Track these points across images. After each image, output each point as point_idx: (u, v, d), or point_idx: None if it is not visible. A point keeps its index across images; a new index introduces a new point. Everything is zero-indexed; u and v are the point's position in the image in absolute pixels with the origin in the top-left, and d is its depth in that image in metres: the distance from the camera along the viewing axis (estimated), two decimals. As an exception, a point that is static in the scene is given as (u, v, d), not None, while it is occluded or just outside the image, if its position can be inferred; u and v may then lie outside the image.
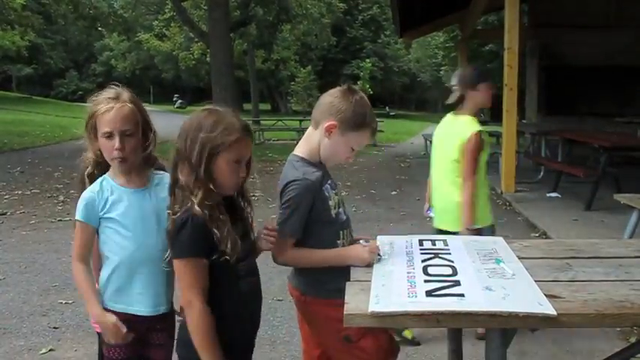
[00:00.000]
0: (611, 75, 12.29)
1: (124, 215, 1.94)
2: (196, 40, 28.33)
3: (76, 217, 1.94)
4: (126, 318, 1.93)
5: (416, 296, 1.67)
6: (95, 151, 2.01)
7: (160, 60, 44.07)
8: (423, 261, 2.01)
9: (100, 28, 23.81)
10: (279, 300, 4.14)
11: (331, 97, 2.07)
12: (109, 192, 1.96)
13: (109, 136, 1.92)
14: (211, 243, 1.75)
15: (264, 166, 12.01)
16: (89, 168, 2.04)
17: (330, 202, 2.06)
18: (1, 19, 22.34)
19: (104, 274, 1.97)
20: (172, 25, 34.47)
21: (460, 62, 15.76)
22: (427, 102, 56.45)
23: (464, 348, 2.54)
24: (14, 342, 3.52)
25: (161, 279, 1.97)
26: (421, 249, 2.16)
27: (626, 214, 5.10)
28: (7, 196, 8.24)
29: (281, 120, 21.68)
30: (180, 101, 49.97)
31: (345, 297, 1.72)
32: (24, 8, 23.25)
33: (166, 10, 32.97)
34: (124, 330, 1.90)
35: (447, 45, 36.11)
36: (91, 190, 1.96)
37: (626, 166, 7.85)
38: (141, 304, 1.95)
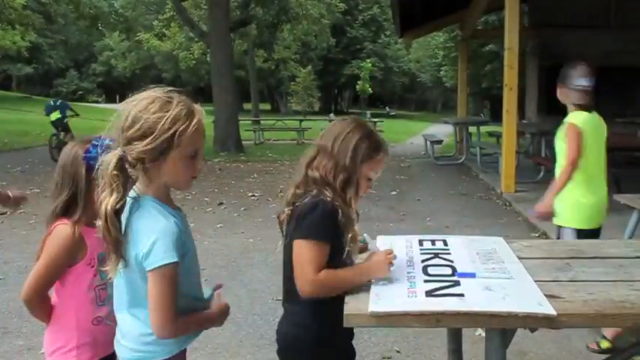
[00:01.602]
0: (611, 75, 12.26)
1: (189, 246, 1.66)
2: (196, 39, 28.34)
3: (169, 261, 1.51)
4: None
5: (416, 296, 1.67)
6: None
7: (160, 60, 44.08)
8: (423, 261, 2.01)
9: (100, 28, 23.79)
10: (278, 300, 4.12)
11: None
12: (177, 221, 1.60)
13: (194, 155, 1.57)
14: (336, 231, 1.77)
15: (264, 166, 12.02)
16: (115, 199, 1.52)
17: None
18: (1, 18, 22.33)
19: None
20: (172, 24, 34.45)
21: (460, 62, 15.78)
22: (427, 102, 56.48)
23: (464, 348, 2.54)
24: (14, 342, 3.52)
25: None
26: (421, 249, 2.16)
27: (626, 214, 5.10)
28: (7, 196, 8.24)
29: (281, 120, 21.70)
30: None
31: (345, 297, 1.72)
32: (24, 8, 23.25)
33: (166, 10, 32.93)
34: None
35: (447, 45, 36.15)
36: (170, 221, 1.56)
37: (626, 166, 7.84)
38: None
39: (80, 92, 56.14)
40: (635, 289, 1.75)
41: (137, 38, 38.48)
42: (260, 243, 5.72)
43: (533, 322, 1.60)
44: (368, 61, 43.30)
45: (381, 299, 1.66)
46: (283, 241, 1.86)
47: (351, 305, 1.66)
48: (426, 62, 47.40)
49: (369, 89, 43.65)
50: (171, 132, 1.48)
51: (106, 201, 1.49)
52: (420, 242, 2.24)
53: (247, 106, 39.20)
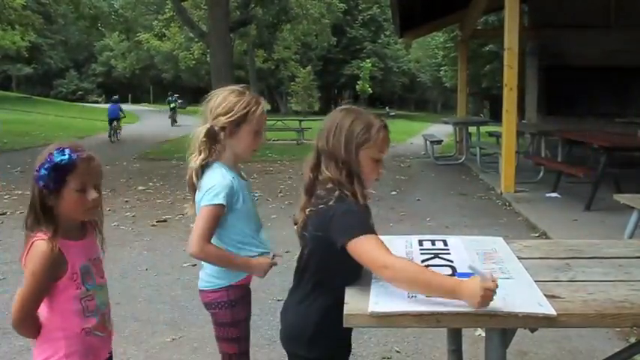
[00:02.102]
0: (611, 75, 12.29)
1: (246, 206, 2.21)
2: (196, 40, 28.35)
3: (215, 202, 2.06)
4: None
5: (416, 296, 1.67)
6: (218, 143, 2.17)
7: (159, 60, 44.11)
8: (423, 261, 2.01)
9: (100, 28, 23.80)
10: (279, 300, 4.13)
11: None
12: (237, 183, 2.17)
13: (258, 131, 2.18)
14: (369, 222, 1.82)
15: (264, 167, 12.01)
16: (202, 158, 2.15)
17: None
18: (1, 18, 22.34)
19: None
20: (172, 25, 34.47)
21: (460, 62, 15.79)
22: (427, 102, 56.48)
23: (464, 348, 2.54)
24: (14, 342, 3.52)
25: None
26: (421, 249, 2.16)
27: (625, 214, 5.10)
28: (7, 196, 8.25)
29: (281, 120, 21.70)
30: (180, 101, 49.96)
31: (345, 297, 1.72)
32: (24, 8, 23.26)
33: (166, 10, 32.94)
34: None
35: (447, 45, 36.13)
36: (226, 178, 2.13)
37: (626, 166, 7.84)
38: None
39: (80, 92, 56.18)
40: (634, 289, 1.75)
41: (137, 38, 38.47)
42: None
43: (533, 322, 1.60)
44: (368, 61, 43.33)
45: (381, 299, 1.66)
46: (303, 245, 1.87)
47: (351, 305, 1.66)
48: (426, 62, 47.41)
49: (369, 89, 43.67)
50: (245, 111, 2.11)
51: (195, 159, 2.13)
52: (420, 242, 2.24)
53: (247, 106, 39.21)
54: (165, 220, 6.82)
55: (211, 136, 2.13)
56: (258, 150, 2.27)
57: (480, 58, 31.16)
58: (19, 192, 8.60)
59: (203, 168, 2.14)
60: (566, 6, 12.38)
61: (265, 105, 2.20)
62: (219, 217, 2.09)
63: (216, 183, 2.09)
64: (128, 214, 7.23)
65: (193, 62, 36.79)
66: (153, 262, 5.09)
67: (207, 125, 2.12)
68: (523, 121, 13.02)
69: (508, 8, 8.18)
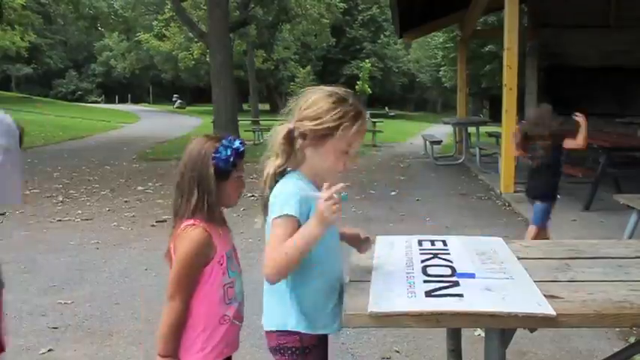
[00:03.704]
0: (611, 75, 12.29)
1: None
2: (196, 40, 28.32)
3: (284, 213, 1.66)
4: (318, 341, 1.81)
5: (415, 296, 1.67)
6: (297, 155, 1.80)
7: (159, 60, 44.03)
8: (423, 261, 2.01)
9: (100, 28, 23.81)
10: (278, 300, 4.14)
11: None
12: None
13: (347, 152, 1.75)
14: None
15: (263, 167, 12.01)
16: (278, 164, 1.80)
17: None
18: (1, 18, 22.35)
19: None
20: (172, 25, 34.44)
21: (459, 63, 15.80)
22: (427, 102, 56.44)
23: (463, 348, 2.54)
24: (13, 342, 3.51)
25: None
26: (420, 249, 2.16)
27: (625, 214, 5.11)
28: (6, 196, 8.24)
29: (280, 120, 21.67)
30: (179, 101, 50.02)
31: (345, 297, 1.72)
32: (24, 8, 23.26)
33: (166, 10, 32.93)
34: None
35: (447, 45, 36.12)
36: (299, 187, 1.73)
37: (625, 166, 7.84)
38: (334, 322, 1.78)
39: (79, 92, 56.15)
40: (634, 290, 1.75)
41: (136, 38, 38.52)
42: (260, 243, 5.71)
43: (533, 322, 1.60)
44: (367, 61, 43.25)
45: (381, 300, 1.66)
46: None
47: (351, 306, 1.66)
48: (426, 62, 47.35)
49: (369, 89, 43.62)
50: (335, 123, 1.69)
51: (270, 165, 1.78)
52: (420, 242, 2.24)
53: (247, 106, 39.21)
54: (165, 220, 6.81)
55: (289, 140, 1.76)
56: (345, 172, 1.78)
57: (479, 58, 31.16)
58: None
59: (277, 176, 1.77)
60: (566, 6, 12.37)
61: (368, 121, 1.86)
62: (292, 230, 1.66)
63: (285, 191, 1.71)
64: (128, 214, 7.23)
65: (193, 62, 36.74)
66: (153, 262, 5.08)
67: (290, 125, 1.75)
68: (522, 122, 13.00)
69: (508, 8, 8.18)
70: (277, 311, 1.77)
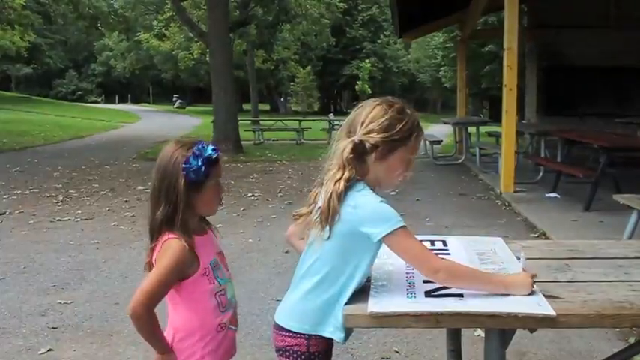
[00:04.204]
0: (611, 75, 12.30)
1: None
2: (196, 39, 28.33)
3: (402, 225, 1.68)
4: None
5: (415, 296, 1.67)
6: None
7: (159, 60, 44.07)
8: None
9: (99, 28, 23.80)
10: (278, 300, 4.12)
11: None
12: None
13: (409, 162, 1.80)
14: None
15: (263, 167, 12.02)
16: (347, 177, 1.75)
17: None
18: (1, 18, 22.34)
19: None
20: (172, 25, 34.44)
21: (459, 63, 15.79)
22: (426, 102, 56.46)
23: (463, 348, 2.54)
24: (13, 341, 3.52)
25: None
26: (420, 249, 2.15)
27: (625, 214, 5.10)
28: (6, 196, 8.24)
29: (280, 120, 21.71)
30: (179, 101, 50.07)
31: (345, 297, 1.72)
32: (24, 8, 23.26)
33: (166, 10, 32.91)
34: None
35: (447, 45, 36.14)
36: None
37: (625, 166, 7.85)
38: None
39: (79, 92, 56.17)
40: (634, 290, 1.75)
41: (136, 38, 38.53)
42: (259, 243, 5.72)
43: (533, 322, 1.60)
44: (367, 61, 43.34)
45: (381, 300, 1.66)
46: None
47: (351, 306, 1.66)
48: (426, 62, 47.37)
49: (369, 89, 43.66)
50: (408, 133, 1.74)
51: (338, 178, 1.71)
52: (420, 242, 2.24)
53: (247, 106, 39.22)
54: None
55: (359, 154, 1.73)
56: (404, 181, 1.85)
57: (479, 59, 31.16)
58: (19, 192, 8.60)
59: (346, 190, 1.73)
60: (565, 6, 12.38)
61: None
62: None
63: (376, 204, 1.71)
64: (128, 214, 7.23)
65: (192, 62, 36.77)
66: (152, 262, 5.07)
67: (356, 139, 1.72)
68: (522, 122, 13.02)
69: (507, 8, 8.18)
70: (315, 315, 1.76)
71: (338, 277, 1.72)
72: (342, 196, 1.70)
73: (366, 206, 1.70)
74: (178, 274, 1.76)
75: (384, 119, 1.73)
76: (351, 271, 1.71)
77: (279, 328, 1.85)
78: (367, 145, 1.72)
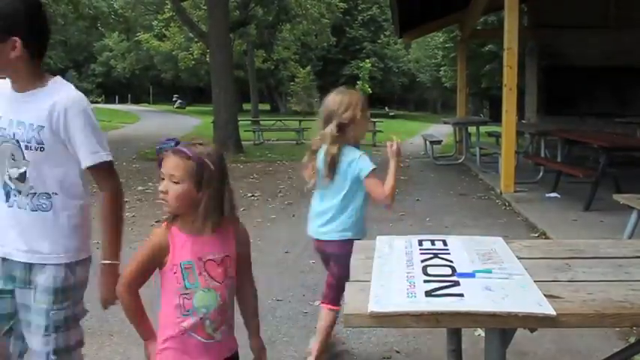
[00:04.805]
0: (611, 75, 12.30)
1: None
2: (196, 40, 28.32)
3: (374, 167, 2.95)
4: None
5: (415, 296, 1.67)
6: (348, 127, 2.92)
7: (159, 60, 44.03)
8: (423, 261, 2.01)
9: (100, 28, 23.79)
10: (278, 300, 4.14)
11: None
12: None
13: (368, 117, 3.12)
14: None
15: (263, 167, 12.02)
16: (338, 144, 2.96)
17: None
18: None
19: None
20: (172, 25, 34.43)
21: (459, 62, 15.79)
22: (426, 102, 56.45)
23: (463, 348, 2.54)
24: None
25: None
26: (420, 249, 2.16)
27: (625, 214, 5.10)
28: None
29: (280, 120, 21.70)
30: (179, 101, 50.05)
31: (345, 297, 1.72)
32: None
33: (166, 10, 32.89)
34: None
35: (447, 45, 36.13)
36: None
37: (625, 166, 7.85)
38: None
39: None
40: (634, 290, 1.75)
41: (136, 39, 38.49)
42: (260, 243, 5.71)
43: (533, 322, 1.60)
44: (367, 61, 43.24)
45: (381, 299, 1.66)
46: None
47: (351, 305, 1.66)
48: (426, 62, 47.38)
49: (369, 89, 43.61)
50: (359, 104, 2.93)
51: (330, 146, 2.89)
52: (420, 242, 2.24)
53: (247, 106, 39.18)
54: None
55: (341, 129, 2.87)
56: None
57: (479, 58, 31.15)
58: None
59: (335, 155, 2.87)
60: (565, 6, 12.38)
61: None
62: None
63: (359, 154, 2.89)
64: (128, 214, 7.22)
65: (193, 62, 36.71)
66: (152, 262, 5.06)
67: (336, 122, 2.85)
68: (522, 121, 13.02)
69: (507, 8, 8.18)
70: (346, 222, 3.07)
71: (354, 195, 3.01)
72: (337, 156, 2.87)
73: (352, 157, 2.89)
74: (153, 262, 1.88)
75: (348, 102, 2.88)
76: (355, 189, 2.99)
77: (325, 241, 3.09)
78: (345, 121, 2.86)
